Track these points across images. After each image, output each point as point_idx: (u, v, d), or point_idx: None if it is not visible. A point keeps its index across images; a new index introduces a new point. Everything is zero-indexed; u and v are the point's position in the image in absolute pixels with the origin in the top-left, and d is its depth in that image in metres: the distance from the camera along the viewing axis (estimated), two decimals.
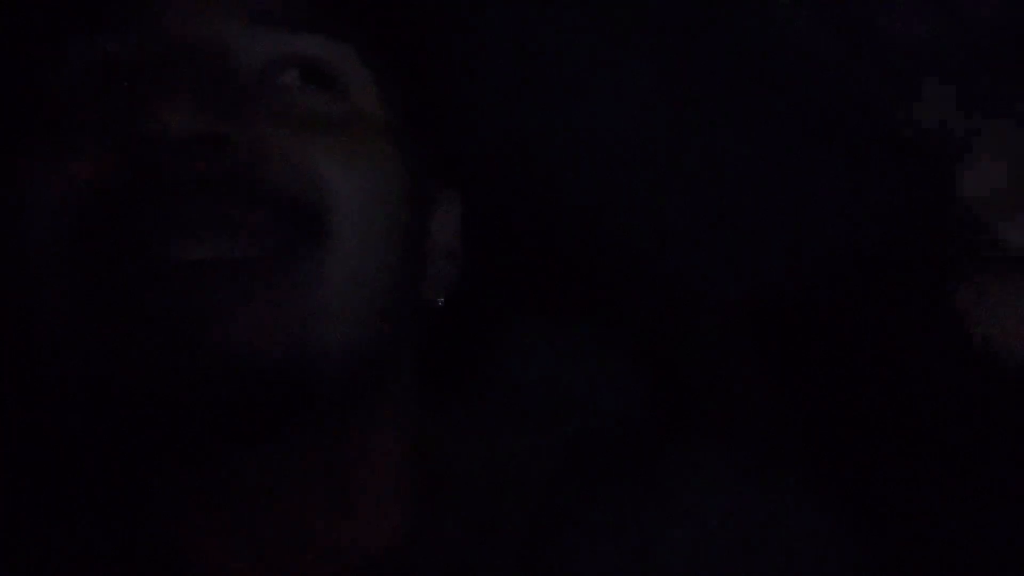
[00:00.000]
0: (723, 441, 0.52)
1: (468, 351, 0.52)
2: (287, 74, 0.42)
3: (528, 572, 0.42)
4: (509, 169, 0.57)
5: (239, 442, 0.40)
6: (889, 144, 0.55)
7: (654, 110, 0.57)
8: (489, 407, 0.49)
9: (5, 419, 0.44)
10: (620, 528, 0.43)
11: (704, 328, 0.57)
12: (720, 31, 0.57)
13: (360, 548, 0.43)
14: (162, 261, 0.38)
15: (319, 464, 0.42)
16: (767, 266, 0.57)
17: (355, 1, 0.44)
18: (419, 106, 0.46)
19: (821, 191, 0.56)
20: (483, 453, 0.47)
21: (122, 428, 0.40)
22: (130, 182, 0.38)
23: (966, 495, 0.49)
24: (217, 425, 0.39)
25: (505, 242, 0.56)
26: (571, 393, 0.51)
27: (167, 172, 0.38)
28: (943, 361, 0.52)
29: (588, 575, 0.42)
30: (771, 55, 0.56)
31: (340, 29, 0.43)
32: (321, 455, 0.42)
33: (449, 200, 0.50)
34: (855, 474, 0.51)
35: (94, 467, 0.42)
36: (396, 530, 0.43)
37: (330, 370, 0.40)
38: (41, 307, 0.39)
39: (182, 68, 0.39)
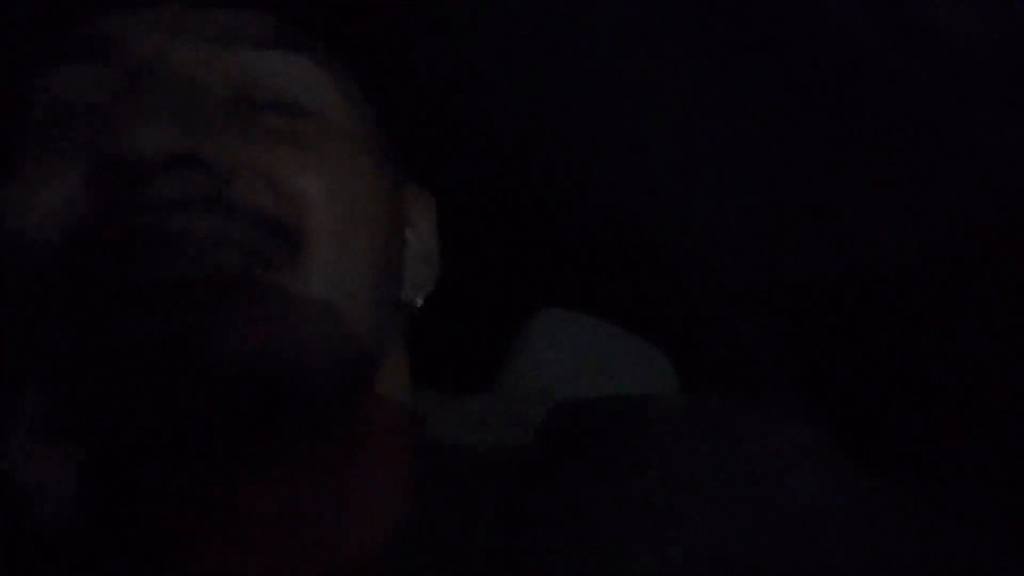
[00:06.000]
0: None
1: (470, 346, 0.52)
2: (259, 93, 0.43)
3: (514, 546, 0.42)
4: (532, 165, 0.56)
5: (239, 444, 0.40)
6: (946, 148, 0.53)
7: (689, 101, 0.55)
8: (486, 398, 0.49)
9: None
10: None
11: (727, 318, 0.56)
12: (765, 24, 0.55)
13: (361, 538, 0.43)
14: (144, 281, 0.38)
15: (318, 459, 0.42)
16: (795, 260, 0.55)
17: (313, 15, 0.45)
18: (392, 113, 0.47)
19: (858, 189, 0.54)
20: (474, 436, 0.47)
21: (117, 438, 0.40)
22: (106, 205, 0.39)
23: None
24: (216, 432, 0.39)
25: (525, 236, 0.56)
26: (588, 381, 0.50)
27: (143, 193, 0.38)
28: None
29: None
30: (817, 51, 0.54)
31: (303, 44, 0.44)
32: (319, 450, 0.43)
33: (424, 205, 0.51)
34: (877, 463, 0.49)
35: (93, 468, 0.43)
36: (395, 518, 0.44)
37: (318, 373, 0.40)
38: (29, 330, 0.40)
39: (152, 92, 0.40)
